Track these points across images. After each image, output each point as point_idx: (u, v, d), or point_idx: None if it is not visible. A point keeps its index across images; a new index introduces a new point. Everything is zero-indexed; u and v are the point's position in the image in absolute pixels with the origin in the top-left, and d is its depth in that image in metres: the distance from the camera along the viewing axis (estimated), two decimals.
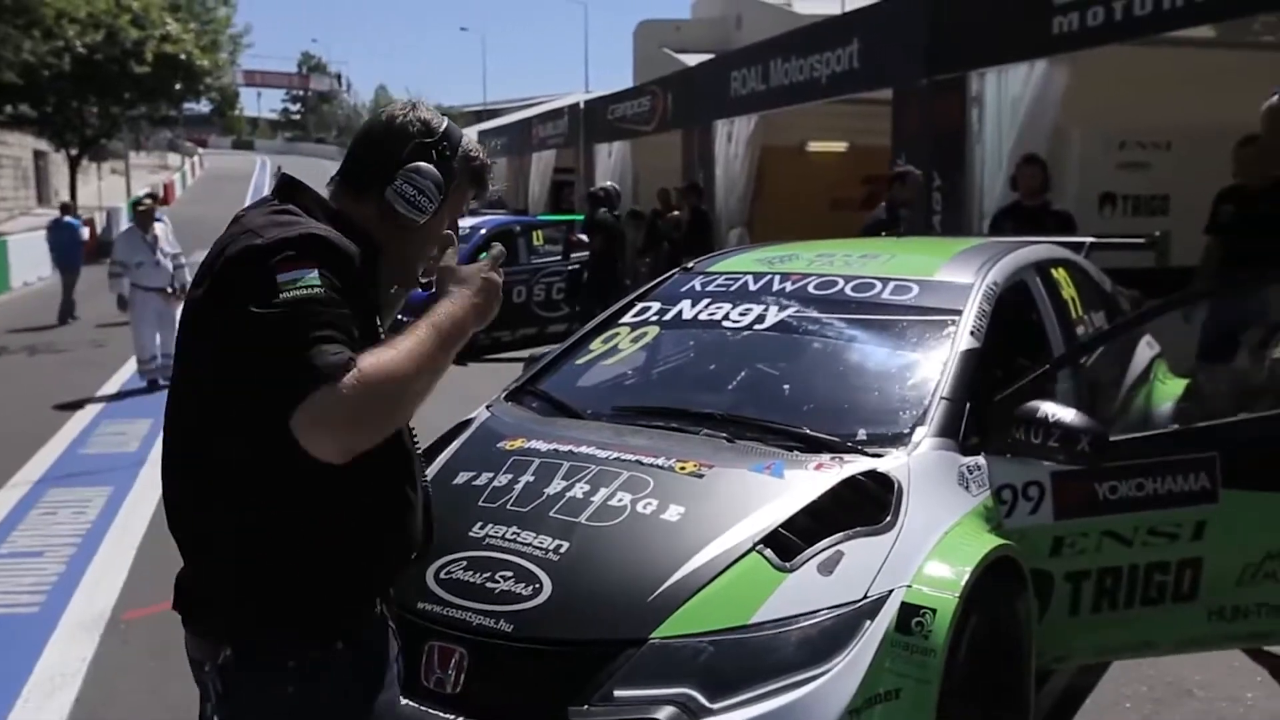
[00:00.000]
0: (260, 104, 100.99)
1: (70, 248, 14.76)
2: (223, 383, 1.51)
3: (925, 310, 3.21)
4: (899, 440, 2.74)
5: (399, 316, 1.88)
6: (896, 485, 2.56)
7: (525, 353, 4.25)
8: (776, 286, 3.52)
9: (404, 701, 1.98)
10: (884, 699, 2.21)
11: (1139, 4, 6.09)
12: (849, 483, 2.56)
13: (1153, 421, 4.12)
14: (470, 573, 2.41)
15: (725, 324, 3.39)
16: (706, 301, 3.54)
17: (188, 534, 1.63)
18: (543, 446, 2.87)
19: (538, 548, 2.43)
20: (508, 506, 2.60)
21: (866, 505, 2.50)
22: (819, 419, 2.92)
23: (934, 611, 2.27)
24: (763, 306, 3.40)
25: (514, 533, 2.49)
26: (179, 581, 1.66)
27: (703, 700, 2.15)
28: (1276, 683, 3.46)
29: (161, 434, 1.67)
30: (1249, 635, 3.12)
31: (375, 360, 1.46)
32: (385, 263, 1.70)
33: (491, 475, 2.75)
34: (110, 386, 9.28)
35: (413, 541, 1.71)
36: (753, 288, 3.55)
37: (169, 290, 8.88)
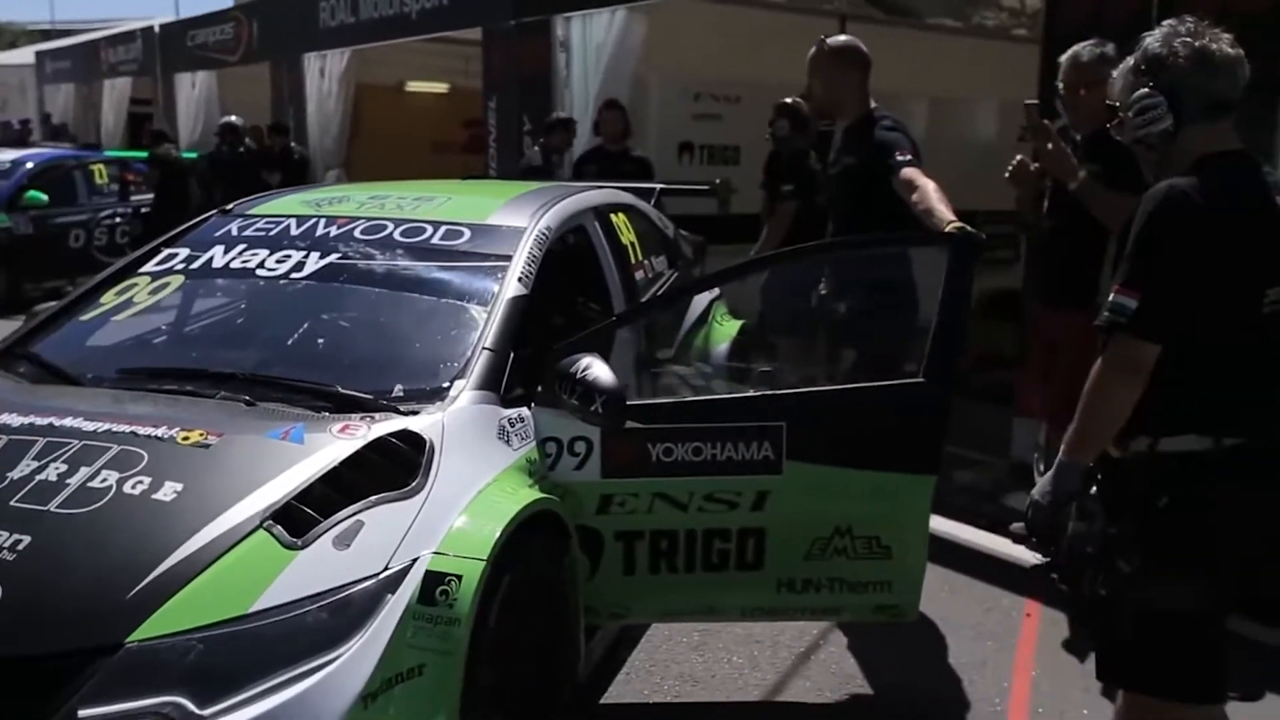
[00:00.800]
0: None
1: None
2: None
3: (473, 256, 3.07)
4: (437, 395, 2.58)
5: None
6: (428, 445, 2.39)
7: None
8: (320, 231, 3.23)
9: None
10: (405, 678, 2.05)
11: None
12: (375, 445, 2.36)
13: (711, 360, 4.30)
14: None
15: (260, 272, 3.05)
16: (242, 247, 3.18)
17: None
18: (15, 421, 2.40)
19: None
20: None
21: (393, 469, 2.32)
22: (355, 376, 2.70)
23: (459, 578, 2.13)
24: (303, 253, 3.10)
25: None
26: None
27: (192, 707, 1.87)
28: None
29: None
30: (820, 609, 3.03)
31: None
32: None
33: None
34: None
35: None
36: (295, 232, 3.24)
37: None
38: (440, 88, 12.27)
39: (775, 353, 4.32)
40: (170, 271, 3.14)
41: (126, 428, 2.35)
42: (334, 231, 3.21)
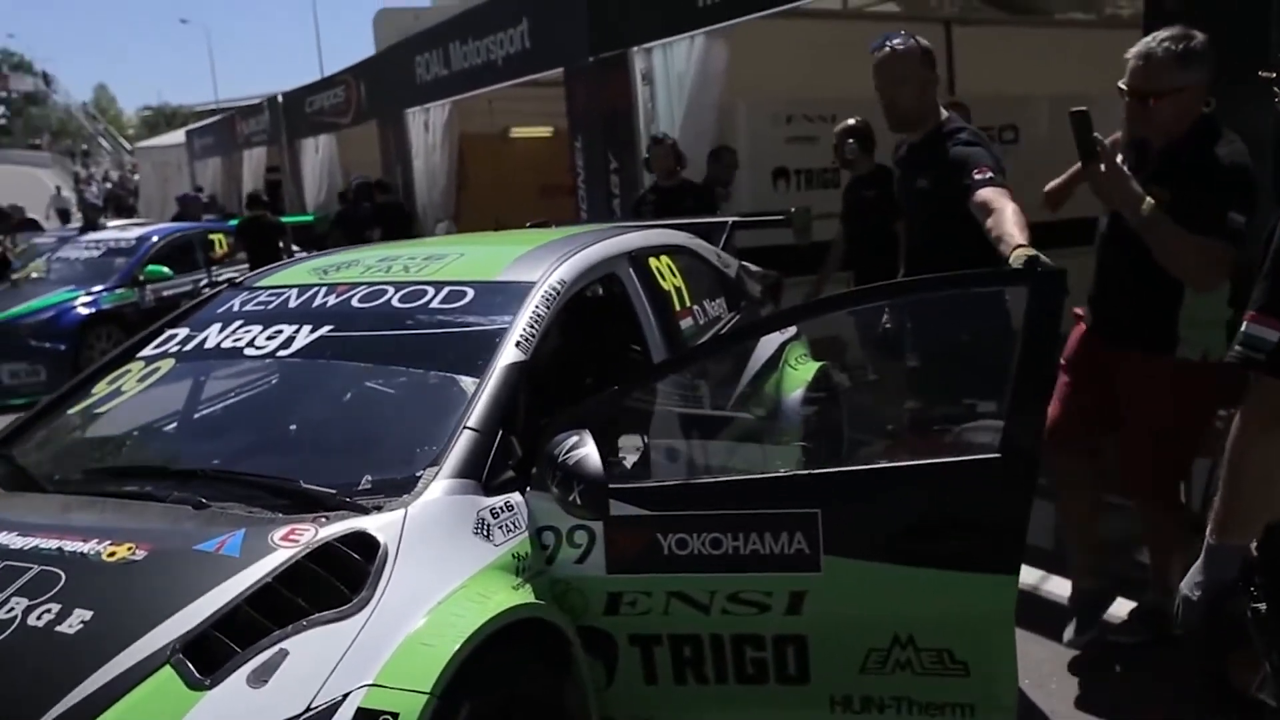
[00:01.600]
0: None
1: None
2: None
3: (471, 319, 2.76)
4: (405, 487, 2.26)
5: None
6: (381, 549, 2.07)
7: None
8: (317, 301, 2.98)
9: None
10: None
11: None
12: (318, 553, 2.05)
13: (782, 413, 3.88)
14: None
15: (248, 351, 2.81)
16: (238, 324, 2.96)
17: None
18: None
19: None
20: None
21: (335, 581, 2.00)
22: (324, 467, 2.42)
23: (395, 717, 1.80)
24: (295, 327, 2.85)
25: None
26: None
27: None
28: None
29: None
30: None
31: None
32: None
33: None
34: None
35: None
36: (293, 304, 3.00)
37: None
38: (545, 131, 12.18)
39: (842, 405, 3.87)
40: (164, 355, 2.94)
41: (55, 543, 2.11)
42: (330, 301, 2.96)
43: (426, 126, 11.32)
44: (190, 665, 1.81)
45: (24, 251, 12.55)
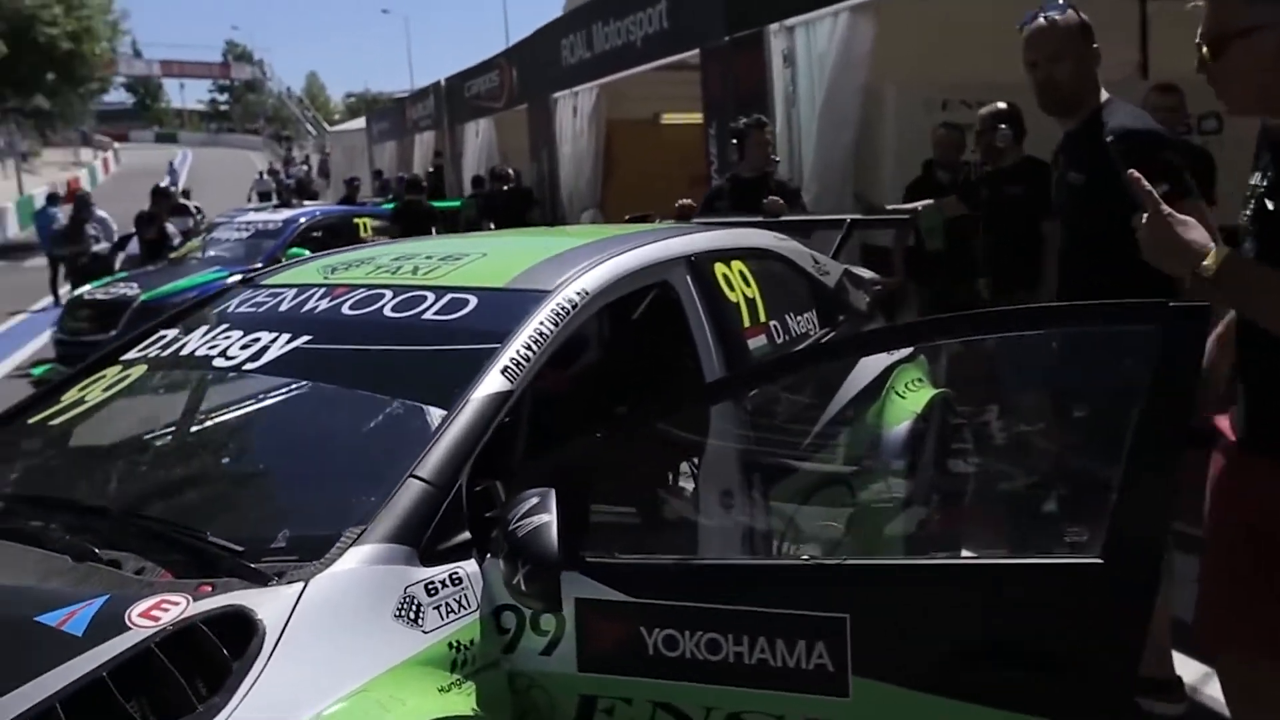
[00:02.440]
0: (185, 95, 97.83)
1: None
2: None
3: (463, 334, 2.30)
4: (318, 550, 1.81)
5: None
6: (258, 637, 1.63)
7: None
8: (309, 305, 2.59)
9: None
10: None
11: None
12: (177, 638, 1.62)
13: (881, 450, 3.25)
14: None
15: (217, 362, 2.43)
16: (224, 328, 2.59)
17: None
18: None
19: None
20: None
21: (181, 681, 1.57)
22: (246, 514, 2.00)
23: None
24: (273, 336, 2.45)
25: None
26: None
27: None
28: None
29: None
30: None
31: None
32: None
33: None
34: None
35: None
36: (284, 308, 2.62)
37: None
38: (697, 118, 11.65)
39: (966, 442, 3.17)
40: (141, 360, 2.61)
41: None
42: (321, 306, 2.56)
43: (575, 111, 11.01)
44: None
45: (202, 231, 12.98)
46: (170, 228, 10.77)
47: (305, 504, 2.04)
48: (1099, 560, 1.61)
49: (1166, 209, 1.80)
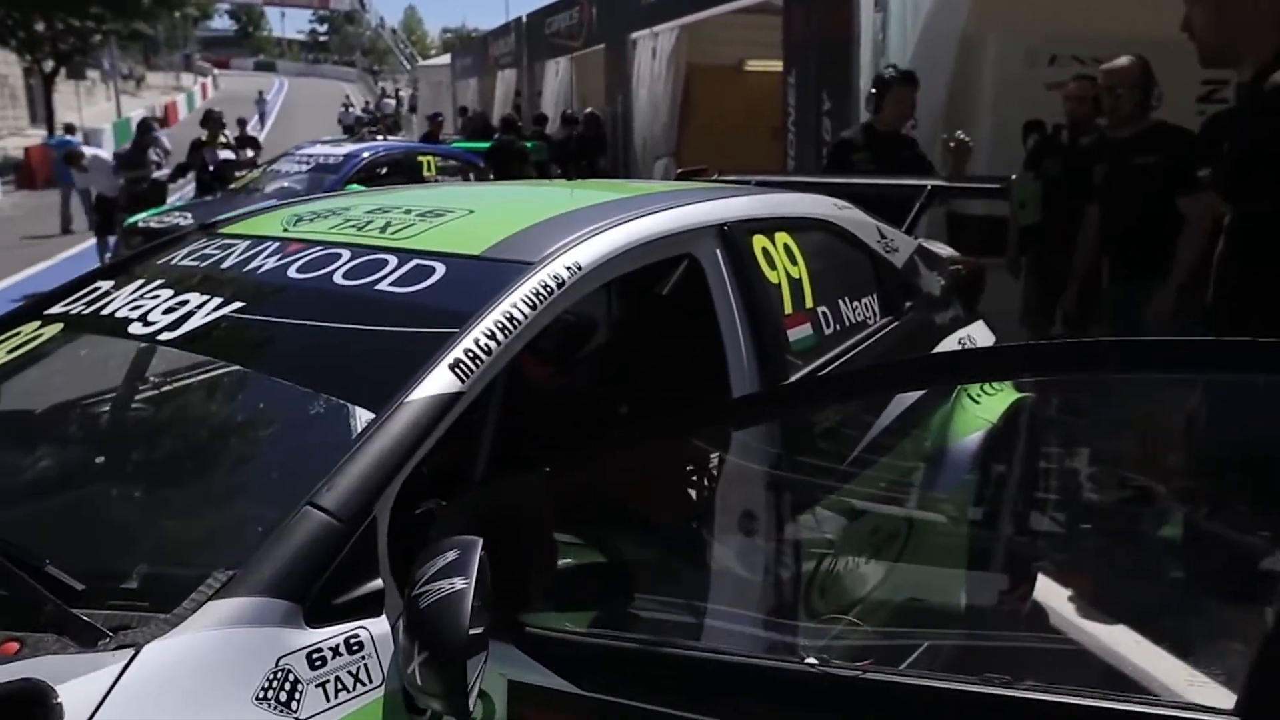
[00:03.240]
0: (285, 25, 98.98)
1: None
2: None
3: (416, 314, 1.84)
4: (171, 600, 1.38)
5: None
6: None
7: None
8: (254, 264, 2.16)
9: None
10: None
11: None
12: None
13: (944, 468, 2.72)
14: None
15: (133, 329, 2.02)
16: (159, 284, 2.17)
17: None
18: None
19: None
20: None
21: None
22: (100, 539, 1.58)
23: None
24: (202, 299, 2.03)
25: None
26: None
27: None
28: None
29: None
30: None
31: None
32: None
33: None
34: None
35: None
36: (227, 264, 2.20)
37: None
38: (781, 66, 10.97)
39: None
40: (63, 316, 2.21)
41: None
42: (268, 265, 2.12)
43: (654, 53, 10.42)
44: None
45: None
46: (208, 156, 10.58)
47: (179, 529, 1.61)
48: (1233, 716, 1.10)
49: None
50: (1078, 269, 4.44)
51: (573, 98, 13.70)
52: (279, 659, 1.35)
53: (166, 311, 2.01)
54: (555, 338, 2.58)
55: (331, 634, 1.41)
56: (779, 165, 7.16)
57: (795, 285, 2.46)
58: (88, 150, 11.64)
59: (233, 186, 9.97)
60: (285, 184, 9.45)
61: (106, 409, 2.05)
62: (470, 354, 1.69)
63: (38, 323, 2.21)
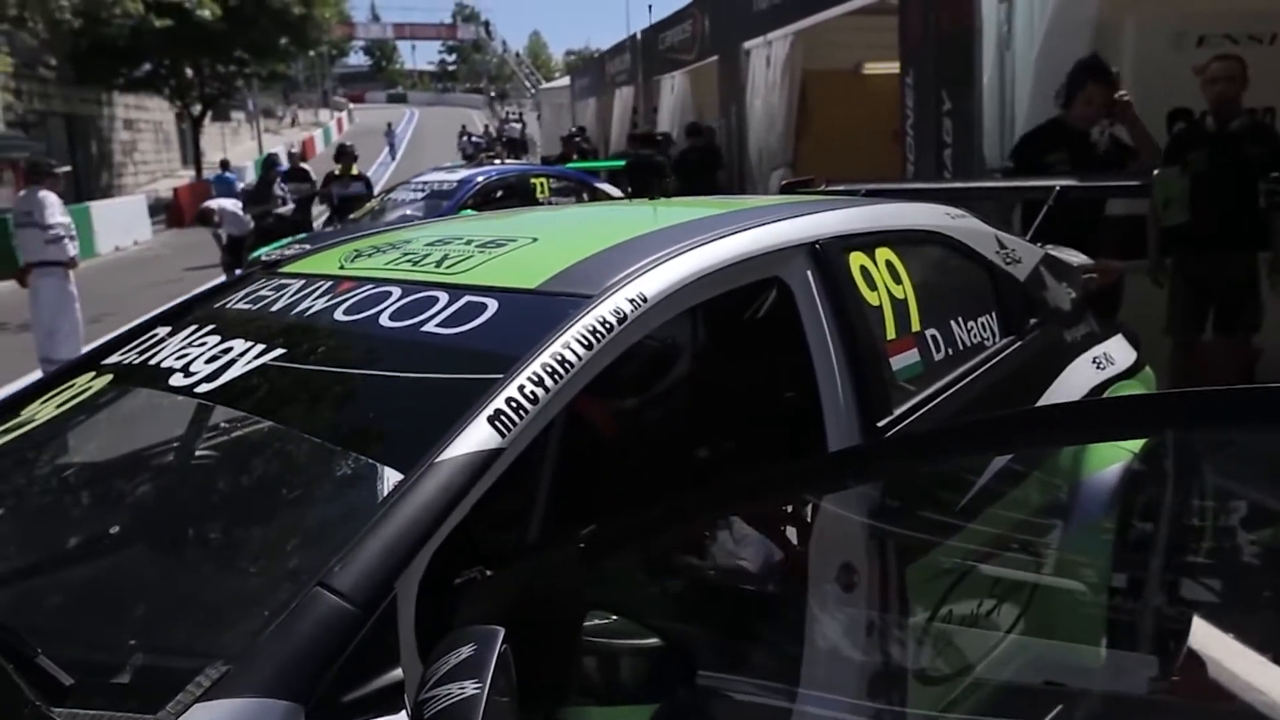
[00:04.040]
0: (416, 57, 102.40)
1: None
2: None
3: (459, 359, 1.66)
4: (160, 699, 1.22)
5: None
6: None
7: None
8: (304, 305, 2.03)
9: None
10: None
11: None
12: None
13: (1078, 508, 2.39)
14: None
15: (174, 380, 1.90)
16: (209, 329, 2.06)
17: None
18: None
19: None
20: None
21: None
22: (103, 623, 1.44)
23: None
24: (247, 345, 1.90)
25: None
26: None
27: None
28: None
29: None
30: None
31: None
32: None
33: None
34: None
35: None
36: (279, 305, 2.07)
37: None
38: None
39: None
40: (113, 367, 2.11)
41: None
42: (318, 306, 1.99)
43: (768, 62, 10.15)
44: None
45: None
46: (337, 189, 10.80)
47: (183, 610, 1.46)
48: None
49: None
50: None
51: (689, 112, 13.53)
52: None
53: (210, 360, 1.89)
54: (625, 373, 2.37)
55: None
56: (898, 171, 6.79)
57: (899, 307, 2.19)
58: (213, 204, 11.86)
59: (353, 217, 10.13)
60: (404, 212, 9.54)
61: (126, 469, 1.94)
62: (514, 404, 1.50)
63: (92, 373, 2.13)
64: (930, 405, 2.10)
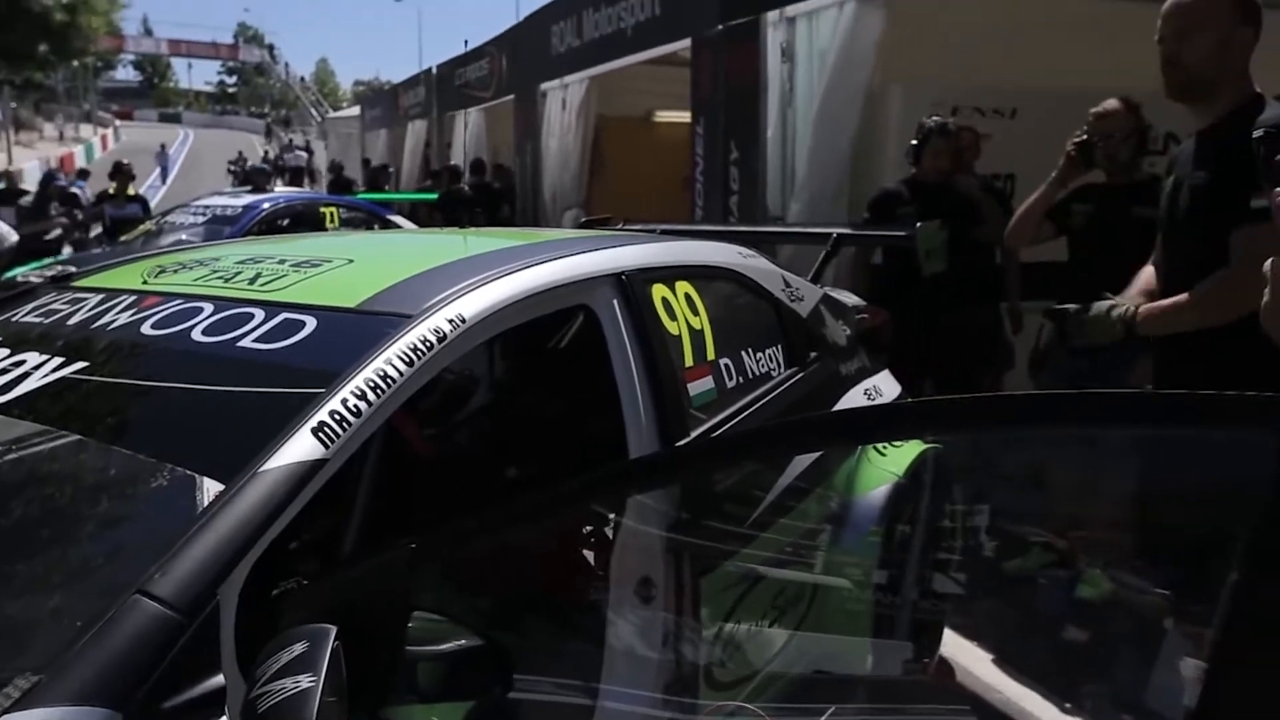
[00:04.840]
0: (192, 76, 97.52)
1: None
2: None
3: (278, 375, 1.68)
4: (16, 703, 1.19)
5: None
6: None
7: None
8: (105, 319, 1.97)
9: None
10: None
11: None
12: None
13: (850, 524, 2.63)
14: None
15: None
16: None
17: None
18: None
19: None
20: None
21: None
22: None
23: None
24: (43, 358, 1.84)
25: None
26: None
27: None
28: None
29: None
30: None
31: None
32: None
33: None
34: None
35: None
36: (76, 319, 2.01)
37: None
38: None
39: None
40: None
41: None
42: (120, 321, 1.94)
43: (564, 104, 10.38)
44: None
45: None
46: (110, 209, 10.24)
47: (4, 621, 1.41)
48: None
49: None
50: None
51: (484, 149, 13.60)
52: None
53: (1, 372, 1.82)
54: (436, 397, 2.43)
55: None
56: (687, 214, 7.12)
57: (696, 336, 2.35)
58: None
59: (124, 239, 9.58)
60: (181, 236, 9.10)
61: None
62: (337, 416, 1.54)
63: None
64: (722, 430, 2.27)
